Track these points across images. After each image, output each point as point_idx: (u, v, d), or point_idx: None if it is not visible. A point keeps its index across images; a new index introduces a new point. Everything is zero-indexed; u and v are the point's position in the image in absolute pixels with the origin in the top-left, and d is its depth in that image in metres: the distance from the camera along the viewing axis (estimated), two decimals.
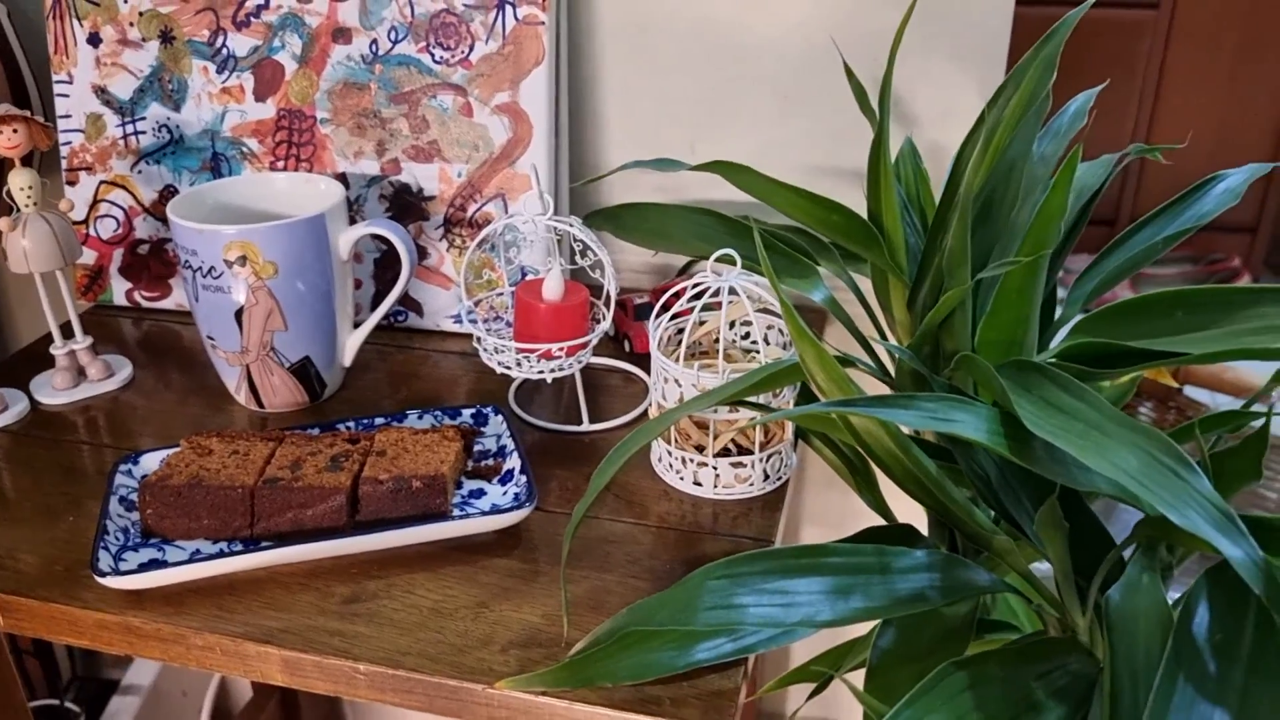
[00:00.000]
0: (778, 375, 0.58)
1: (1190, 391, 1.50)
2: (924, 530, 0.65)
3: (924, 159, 0.78)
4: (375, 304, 0.87)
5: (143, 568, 0.60)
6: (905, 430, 0.55)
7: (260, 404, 0.77)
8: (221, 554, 0.61)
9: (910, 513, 0.65)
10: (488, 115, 0.82)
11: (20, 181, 0.75)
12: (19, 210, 0.75)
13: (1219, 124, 2.05)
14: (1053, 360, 0.57)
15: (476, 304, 0.83)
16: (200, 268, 0.71)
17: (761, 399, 0.66)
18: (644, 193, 0.91)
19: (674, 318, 0.70)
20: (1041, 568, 0.59)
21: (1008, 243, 0.65)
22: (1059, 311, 0.70)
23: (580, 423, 0.76)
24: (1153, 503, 0.43)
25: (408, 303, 0.87)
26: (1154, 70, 2.05)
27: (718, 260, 0.66)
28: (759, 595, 0.52)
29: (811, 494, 1.04)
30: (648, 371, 0.82)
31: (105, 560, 0.59)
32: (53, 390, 0.80)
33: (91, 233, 0.91)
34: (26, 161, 0.75)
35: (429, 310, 0.87)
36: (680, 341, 0.72)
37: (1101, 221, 2.11)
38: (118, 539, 0.62)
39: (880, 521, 0.69)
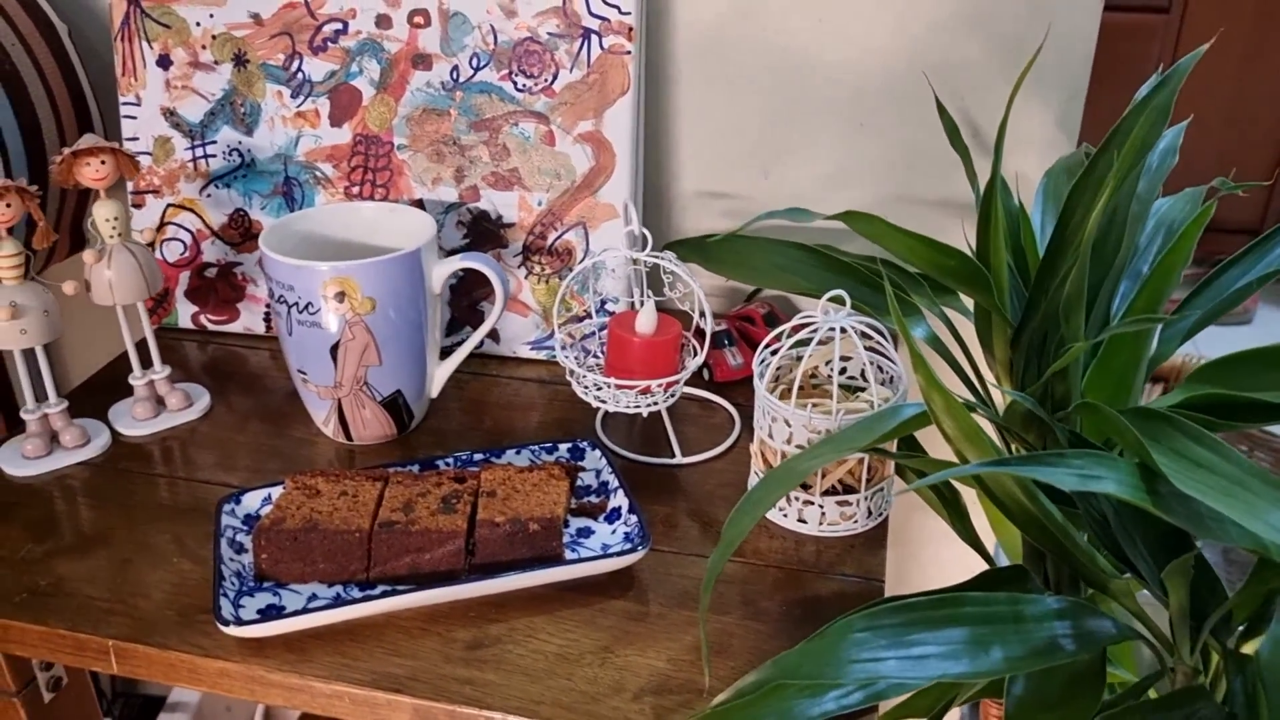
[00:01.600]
0: (910, 422, 0.58)
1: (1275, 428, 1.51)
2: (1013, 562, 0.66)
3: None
4: (449, 329, 0.87)
5: (262, 614, 0.60)
6: None
7: (349, 437, 0.77)
8: (339, 599, 0.61)
9: (987, 536, 0.66)
10: (570, 144, 0.82)
11: (106, 213, 0.74)
12: (103, 241, 0.74)
13: (1227, 128, 2.07)
14: (1176, 410, 0.58)
15: (550, 334, 0.83)
16: (297, 303, 0.70)
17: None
18: (713, 220, 0.91)
19: (775, 354, 0.70)
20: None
21: (1114, 285, 0.66)
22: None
23: (671, 455, 0.76)
24: None
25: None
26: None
27: (830, 300, 0.66)
28: (900, 648, 0.52)
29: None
30: (727, 400, 0.83)
31: (227, 608, 0.59)
32: (133, 420, 0.79)
33: (158, 255, 0.90)
34: (112, 192, 0.74)
35: (505, 336, 0.87)
36: (776, 376, 0.73)
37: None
38: (233, 584, 0.61)
39: (971, 553, 0.69)
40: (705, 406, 0.83)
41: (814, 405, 0.66)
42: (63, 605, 0.62)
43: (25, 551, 0.67)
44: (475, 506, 0.64)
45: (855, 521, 0.68)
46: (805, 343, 0.71)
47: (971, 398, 0.68)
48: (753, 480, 0.72)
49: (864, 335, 0.70)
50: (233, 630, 0.58)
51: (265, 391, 0.85)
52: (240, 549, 0.64)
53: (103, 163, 0.72)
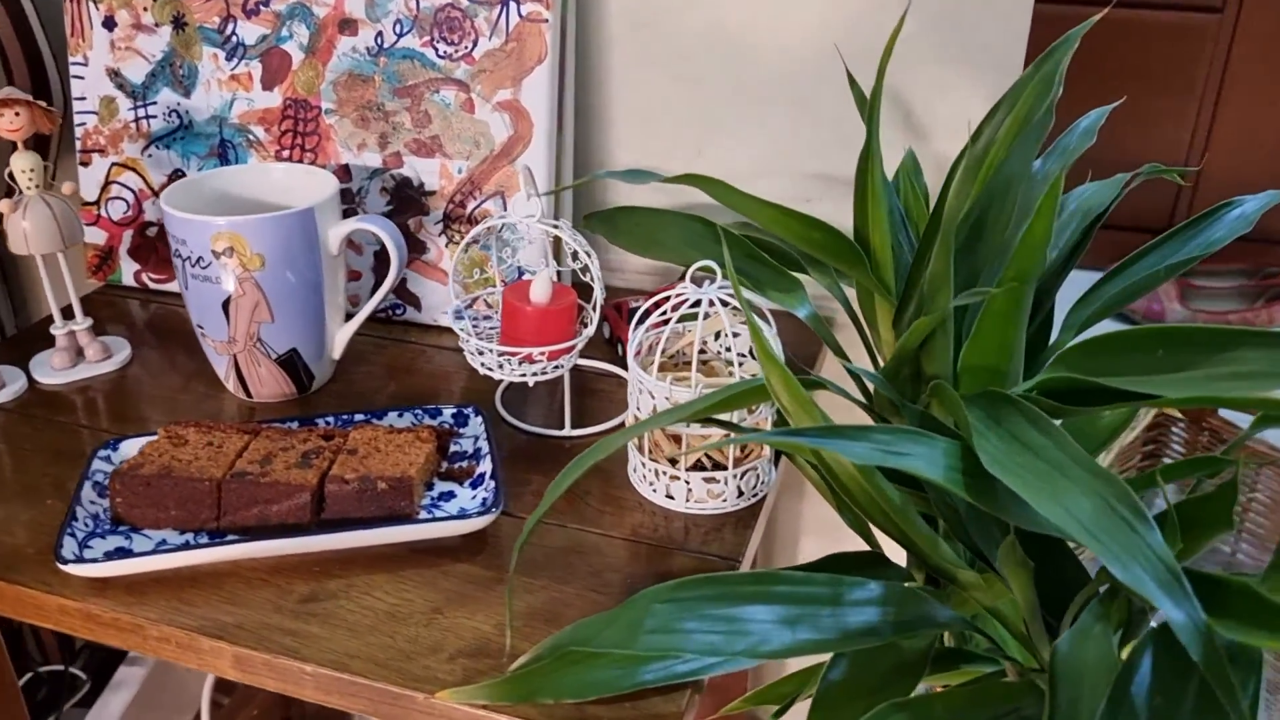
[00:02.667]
0: (745, 394, 0.57)
1: (1226, 413, 1.45)
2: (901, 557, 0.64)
3: (929, 172, 0.75)
4: (373, 296, 0.87)
5: (108, 556, 0.61)
6: None
7: (248, 394, 0.77)
8: (187, 546, 0.62)
9: None
10: (489, 112, 0.81)
11: (22, 164, 0.75)
12: (21, 192, 0.76)
13: None
14: (1027, 394, 0.55)
15: (471, 303, 0.83)
16: (189, 257, 0.71)
17: (736, 416, 0.65)
18: (645, 196, 0.90)
19: (656, 326, 0.69)
20: None
21: (997, 267, 0.63)
22: (1054, 338, 0.68)
23: (563, 427, 0.75)
24: (1100, 554, 0.41)
25: (406, 297, 0.87)
26: (1215, 77, 1.98)
27: (699, 271, 0.65)
28: (704, 621, 0.51)
29: (811, 505, 1.03)
30: None
31: (69, 547, 0.60)
32: (51, 370, 0.81)
33: (103, 214, 0.92)
34: (30, 144, 0.76)
35: (427, 305, 0.87)
36: (664, 350, 0.71)
37: (1150, 230, 2.04)
38: (86, 525, 0.62)
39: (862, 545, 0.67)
40: (621, 384, 0.82)
41: (675, 378, 0.65)
42: None
43: None
44: (333, 464, 0.65)
45: (724, 500, 0.67)
46: (694, 317, 0.70)
47: (856, 384, 0.66)
48: (632, 455, 0.71)
49: (758, 312, 0.69)
50: (71, 569, 0.59)
51: (190, 348, 0.86)
52: (104, 493, 0.65)
53: (17, 114, 0.74)
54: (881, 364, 0.66)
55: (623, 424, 0.76)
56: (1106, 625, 0.46)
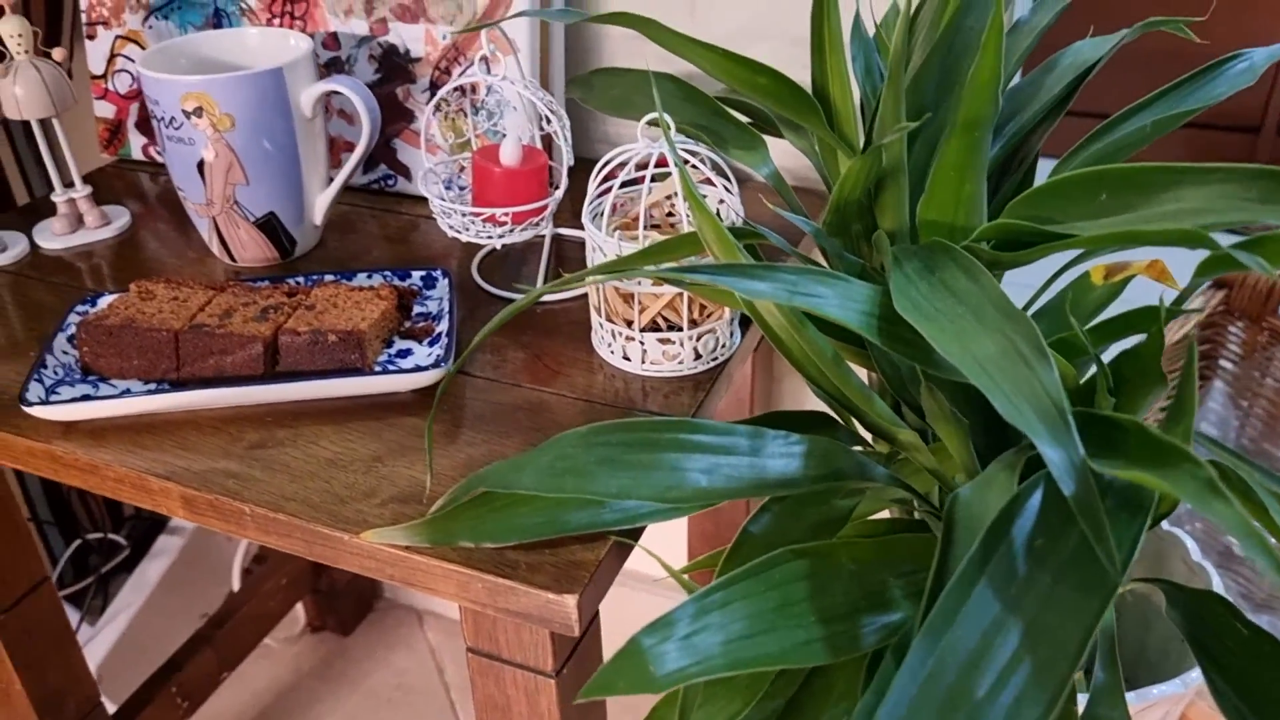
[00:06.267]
0: (672, 244, 0.55)
1: None
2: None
3: None
4: (369, 167, 0.87)
5: (71, 401, 0.63)
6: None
7: (232, 258, 0.79)
8: (144, 394, 0.63)
9: None
10: None
11: (10, 29, 0.77)
12: (11, 58, 0.78)
13: None
14: (972, 244, 0.53)
15: (460, 170, 0.82)
16: (163, 118, 0.72)
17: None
18: (642, 61, 0.88)
19: (605, 189, 0.67)
20: None
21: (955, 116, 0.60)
22: None
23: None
24: (991, 392, 0.39)
25: (396, 167, 0.87)
26: None
27: (648, 125, 0.63)
28: (616, 466, 0.50)
29: (792, 384, 1.01)
30: None
31: (35, 391, 0.62)
32: (51, 235, 0.84)
33: (110, 87, 0.93)
34: (29, 12, 0.77)
35: (416, 175, 0.87)
36: (629, 212, 0.70)
37: (1245, 129, 1.88)
38: (56, 373, 0.64)
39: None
40: None
41: (626, 236, 0.64)
42: None
43: None
44: (290, 318, 0.65)
45: (680, 362, 0.66)
46: (661, 177, 0.68)
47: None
48: (593, 317, 0.70)
49: (720, 172, 0.67)
50: (33, 410, 0.61)
51: (186, 219, 0.87)
52: (75, 343, 0.67)
53: None
54: (801, 218, 0.64)
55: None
56: (1011, 473, 0.45)
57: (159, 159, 0.95)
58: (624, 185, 0.67)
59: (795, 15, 0.84)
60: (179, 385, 0.65)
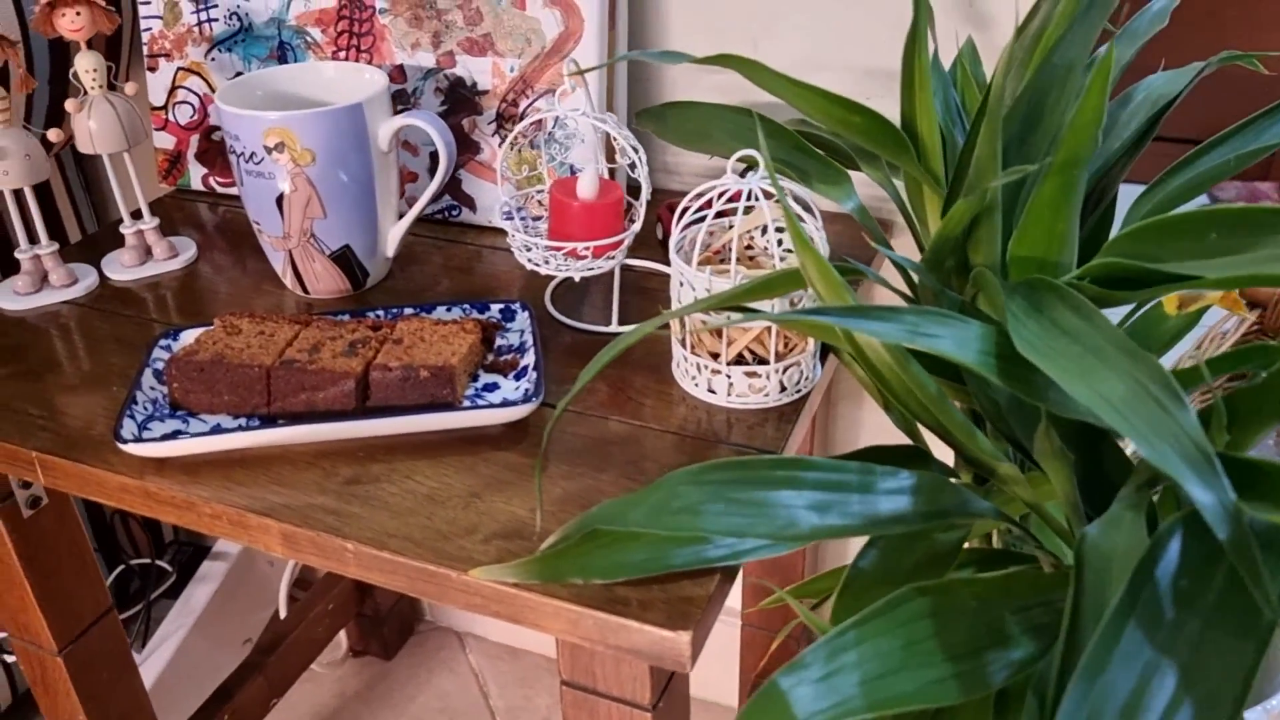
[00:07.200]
0: (775, 281, 0.56)
1: None
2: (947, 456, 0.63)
3: (993, 63, 0.72)
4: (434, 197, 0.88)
5: (164, 437, 0.63)
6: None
7: (305, 290, 0.79)
8: (238, 429, 0.64)
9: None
10: (540, 8, 0.81)
11: (86, 64, 0.77)
12: (85, 93, 0.78)
13: None
14: (1074, 281, 0.53)
15: (526, 201, 0.83)
16: (243, 153, 0.73)
17: (775, 307, 0.64)
18: (702, 93, 0.88)
19: (697, 222, 0.68)
20: None
21: (1050, 154, 0.61)
22: (1115, 232, 0.65)
23: (610, 324, 0.75)
24: (1129, 434, 0.40)
25: (461, 198, 0.88)
26: None
27: (741, 161, 0.63)
28: (730, 504, 0.51)
29: (871, 409, 1.02)
30: None
31: (129, 428, 0.62)
32: (120, 267, 0.84)
33: (171, 118, 0.94)
34: (98, 45, 0.78)
35: (481, 206, 0.88)
36: (709, 245, 0.70)
37: None
38: (146, 409, 0.65)
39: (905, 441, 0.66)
40: (667, 282, 0.82)
41: (715, 270, 0.64)
42: (2, 420, 0.67)
43: None
44: (378, 353, 0.66)
45: (766, 395, 0.66)
46: (747, 210, 0.69)
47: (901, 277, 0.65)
48: (675, 350, 0.70)
49: (802, 204, 0.67)
50: (128, 448, 0.61)
51: (255, 249, 0.88)
52: (163, 379, 0.68)
53: (78, 14, 0.76)
54: (902, 256, 0.65)
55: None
56: (1138, 514, 0.45)
57: (219, 189, 0.95)
58: (699, 219, 0.68)
59: (853, 46, 0.85)
60: (269, 420, 0.65)
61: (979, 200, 0.54)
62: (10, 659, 1.11)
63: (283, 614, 1.24)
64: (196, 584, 1.23)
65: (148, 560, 1.24)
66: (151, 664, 1.15)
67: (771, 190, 0.64)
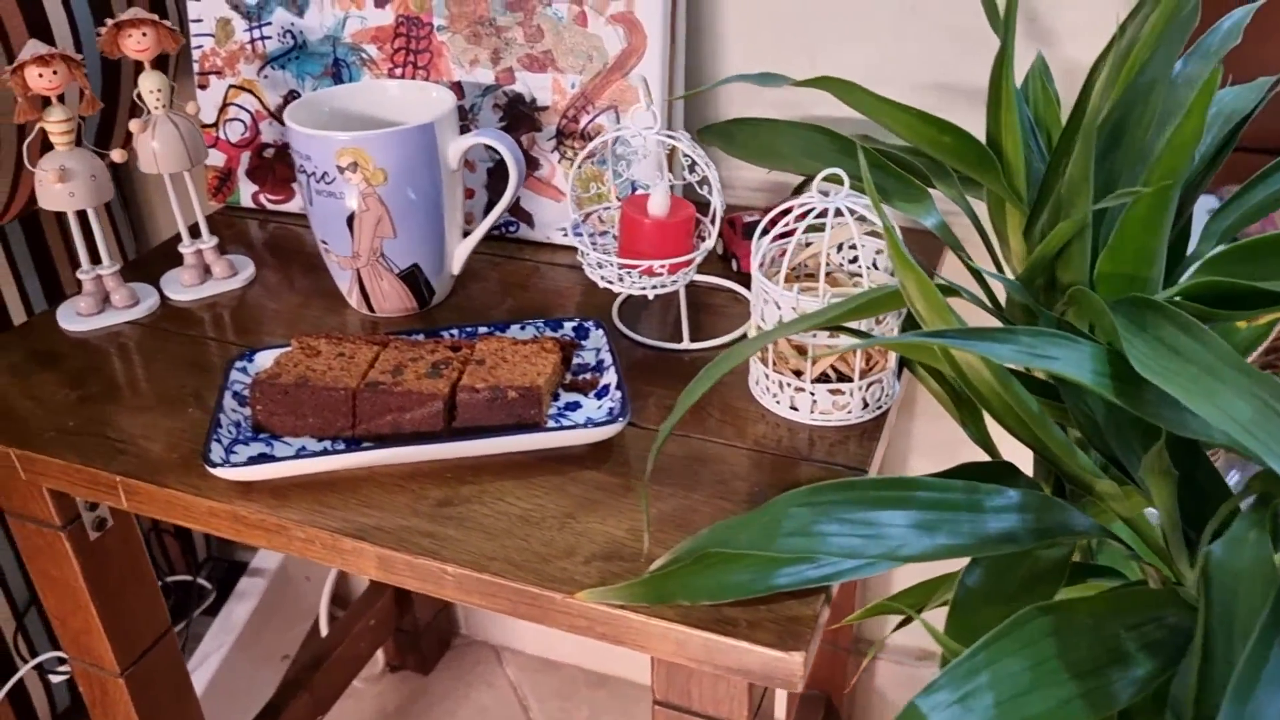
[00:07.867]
0: (876, 302, 0.56)
1: None
2: (1028, 469, 0.63)
3: (1058, 78, 0.73)
4: (487, 213, 0.88)
5: (251, 461, 0.63)
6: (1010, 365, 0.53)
7: (371, 308, 0.79)
8: (325, 452, 0.64)
9: (1015, 450, 0.63)
10: (602, 25, 0.81)
11: (150, 84, 0.77)
12: (149, 113, 0.78)
13: None
14: (1173, 299, 0.54)
15: (586, 218, 0.83)
16: (314, 173, 0.72)
17: (864, 326, 0.64)
18: (760, 109, 0.89)
19: (779, 238, 0.68)
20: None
21: (1138, 171, 0.61)
22: (1192, 247, 0.66)
23: (681, 341, 0.75)
24: (1260, 454, 0.40)
25: (519, 214, 0.88)
26: None
27: (825, 180, 0.64)
28: (841, 525, 0.51)
29: (921, 424, 1.02)
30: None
31: (217, 452, 0.62)
32: (180, 287, 0.84)
33: (221, 136, 0.94)
34: (157, 64, 0.78)
35: (540, 222, 0.88)
36: (784, 263, 0.71)
37: None
38: (230, 432, 0.65)
39: (983, 457, 0.67)
40: (733, 298, 0.82)
41: (803, 289, 0.65)
42: (82, 444, 0.67)
43: (61, 397, 0.72)
44: (462, 374, 0.66)
45: (849, 412, 0.66)
46: (819, 229, 0.69)
47: (982, 293, 0.65)
48: (754, 367, 0.70)
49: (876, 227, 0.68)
50: (219, 472, 0.61)
51: (310, 267, 0.88)
52: (244, 401, 0.67)
53: (144, 34, 0.76)
54: (1009, 275, 0.65)
55: (743, 336, 0.76)
56: (1262, 532, 0.46)
57: (269, 205, 0.95)
58: (782, 235, 0.68)
59: (910, 61, 0.85)
60: (354, 442, 0.65)
61: (1083, 219, 0.55)
62: (56, 679, 1.11)
63: (324, 631, 1.23)
64: (236, 601, 1.23)
65: (188, 578, 1.23)
66: (195, 681, 1.15)
67: (854, 208, 0.65)
